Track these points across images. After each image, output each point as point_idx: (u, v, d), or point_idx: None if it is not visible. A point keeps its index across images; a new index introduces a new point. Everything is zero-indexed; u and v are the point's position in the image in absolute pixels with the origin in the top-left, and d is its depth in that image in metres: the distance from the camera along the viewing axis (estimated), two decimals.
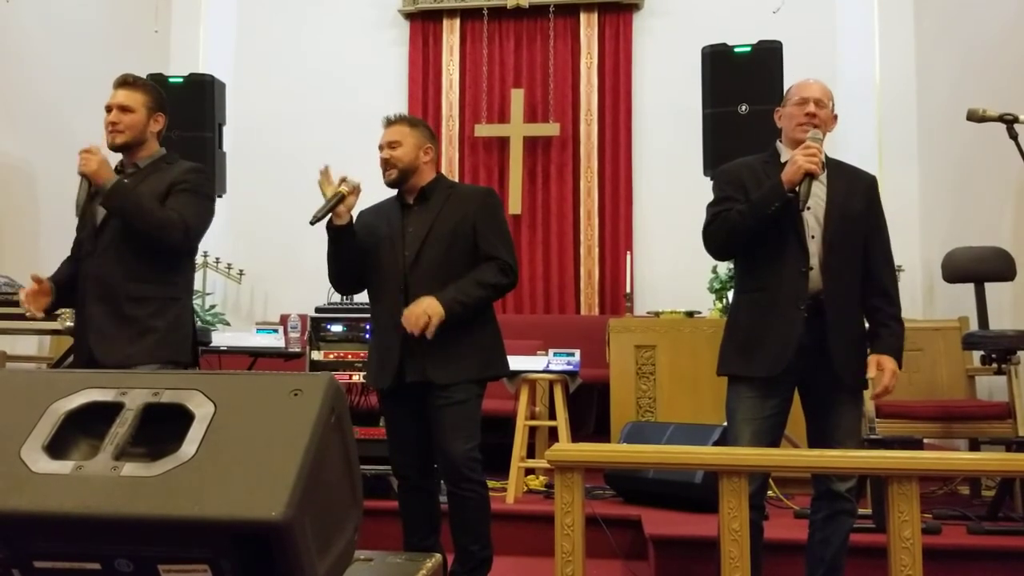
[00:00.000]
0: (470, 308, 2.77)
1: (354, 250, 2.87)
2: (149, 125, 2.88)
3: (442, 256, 2.82)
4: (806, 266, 2.54)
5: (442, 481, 2.88)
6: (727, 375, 2.66)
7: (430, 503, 2.92)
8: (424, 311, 2.69)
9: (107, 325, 2.74)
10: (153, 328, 2.75)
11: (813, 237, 2.56)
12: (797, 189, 2.47)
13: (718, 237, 2.63)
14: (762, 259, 2.60)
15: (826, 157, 2.66)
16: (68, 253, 3.00)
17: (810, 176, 2.47)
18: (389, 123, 2.98)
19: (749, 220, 2.54)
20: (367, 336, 4.06)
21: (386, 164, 2.91)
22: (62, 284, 2.87)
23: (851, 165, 2.74)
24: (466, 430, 2.78)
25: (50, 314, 2.92)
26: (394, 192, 2.97)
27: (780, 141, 2.69)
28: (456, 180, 5.78)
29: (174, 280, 2.85)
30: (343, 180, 2.83)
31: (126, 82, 2.90)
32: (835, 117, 2.70)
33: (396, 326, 2.77)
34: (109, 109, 2.85)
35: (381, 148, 2.93)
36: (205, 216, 2.87)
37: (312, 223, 2.76)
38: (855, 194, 2.60)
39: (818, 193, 2.58)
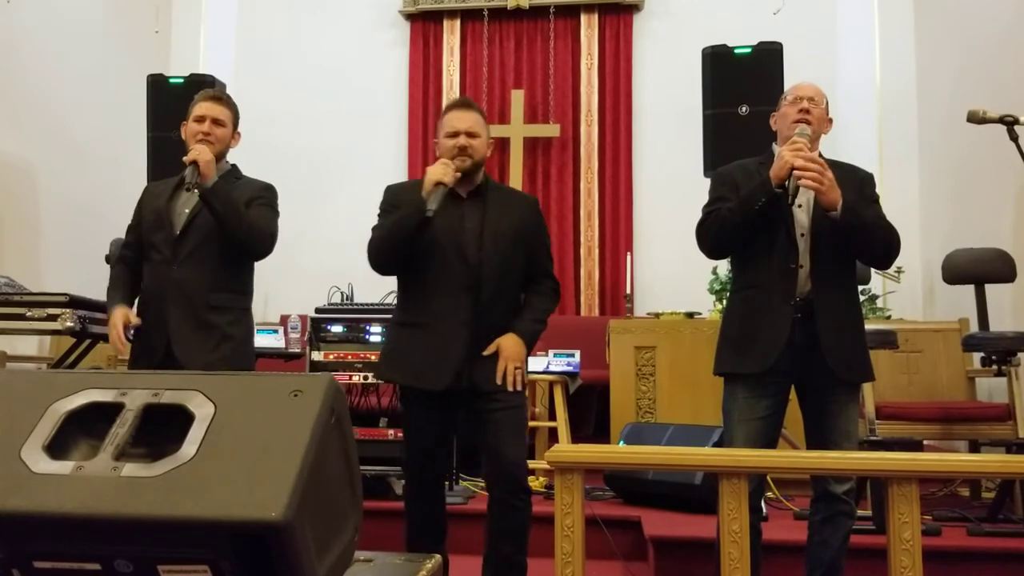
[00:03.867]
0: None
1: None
2: (231, 141, 3.00)
3: (508, 258, 2.73)
4: (795, 263, 2.54)
5: (489, 489, 2.75)
6: (722, 374, 2.67)
7: (440, 510, 2.82)
8: (515, 362, 2.65)
9: (188, 330, 2.81)
10: (231, 336, 2.86)
11: (803, 235, 2.57)
12: (786, 184, 2.48)
13: (709, 235, 2.65)
14: (754, 257, 2.61)
15: (821, 157, 2.67)
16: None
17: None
18: (467, 107, 2.80)
19: (737, 216, 2.56)
20: (367, 336, 4.06)
21: (462, 152, 2.71)
22: (129, 301, 2.95)
23: (849, 164, 2.74)
24: (522, 437, 2.69)
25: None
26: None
27: (776, 144, 2.70)
28: None
29: (246, 291, 2.99)
30: (444, 164, 2.65)
31: (218, 97, 2.99)
32: (830, 120, 2.71)
33: (462, 325, 2.65)
34: (202, 120, 2.91)
35: (457, 133, 2.72)
36: (278, 231, 3.00)
37: (431, 215, 2.58)
38: (845, 189, 2.57)
39: (808, 191, 2.59)
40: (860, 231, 2.52)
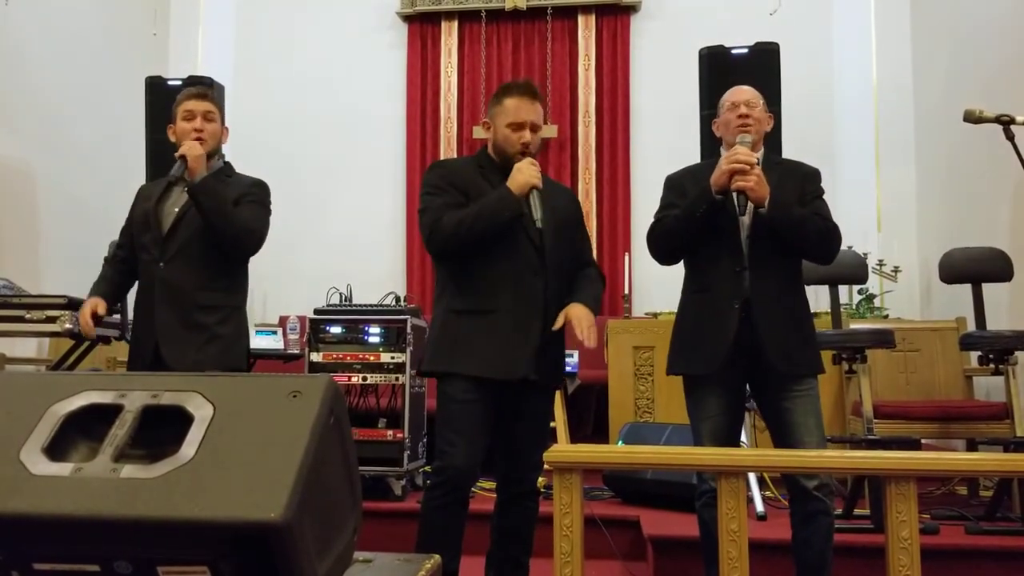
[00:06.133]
0: None
1: None
2: (222, 136, 2.99)
3: (567, 247, 2.73)
4: (741, 265, 2.57)
5: (503, 487, 2.70)
6: (672, 374, 2.71)
7: (465, 518, 2.63)
8: (590, 319, 2.58)
9: (176, 330, 2.81)
10: (220, 335, 2.85)
11: (748, 238, 2.60)
12: (732, 192, 2.51)
13: (657, 242, 2.69)
14: (704, 261, 2.65)
15: (765, 156, 2.69)
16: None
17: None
18: (534, 96, 2.66)
19: (682, 223, 2.61)
20: (366, 337, 4.06)
21: (525, 149, 2.64)
22: (112, 296, 2.98)
23: (796, 161, 2.77)
24: (548, 441, 2.62)
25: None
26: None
27: (723, 148, 2.73)
28: None
29: (237, 289, 2.97)
30: (533, 165, 2.61)
31: (203, 94, 2.98)
32: (770, 117, 2.75)
33: (537, 313, 2.60)
34: (192, 116, 2.90)
35: (524, 126, 2.62)
36: (267, 228, 2.98)
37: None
38: (785, 187, 2.60)
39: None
40: (788, 227, 2.54)
